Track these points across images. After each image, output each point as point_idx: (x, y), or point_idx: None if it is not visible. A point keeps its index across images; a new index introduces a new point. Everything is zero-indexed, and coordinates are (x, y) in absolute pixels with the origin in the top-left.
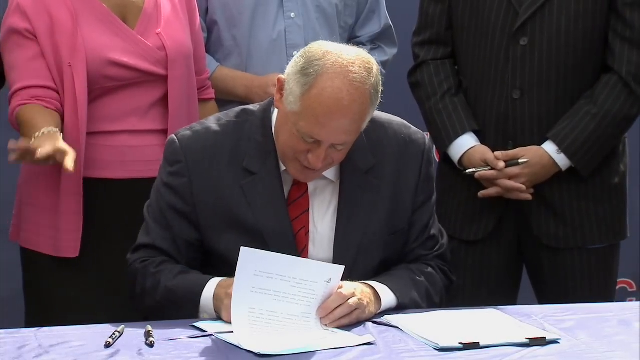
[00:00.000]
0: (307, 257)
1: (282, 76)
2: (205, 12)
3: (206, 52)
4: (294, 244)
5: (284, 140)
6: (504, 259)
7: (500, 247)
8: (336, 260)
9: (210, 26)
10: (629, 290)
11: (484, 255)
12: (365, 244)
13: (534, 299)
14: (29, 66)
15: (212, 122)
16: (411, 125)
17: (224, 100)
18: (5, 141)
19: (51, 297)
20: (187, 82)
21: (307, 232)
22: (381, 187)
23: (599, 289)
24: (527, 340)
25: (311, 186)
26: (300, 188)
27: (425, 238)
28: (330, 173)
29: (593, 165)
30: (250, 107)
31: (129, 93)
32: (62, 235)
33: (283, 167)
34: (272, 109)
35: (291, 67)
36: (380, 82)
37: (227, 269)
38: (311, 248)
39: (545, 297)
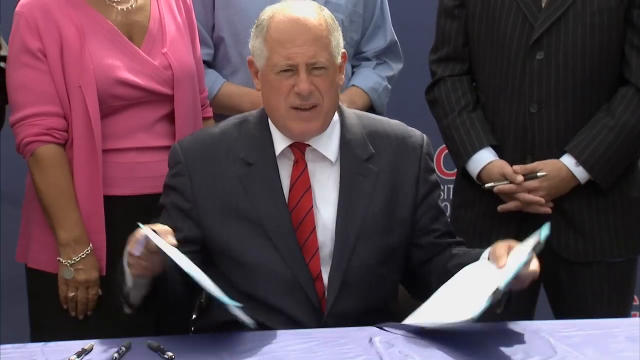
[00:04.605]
0: (315, 241)
1: (249, 57)
2: (211, 29)
3: (213, 68)
4: (291, 230)
5: (273, 99)
6: None
7: None
8: (337, 243)
9: (217, 43)
10: (633, 303)
11: None
12: (365, 229)
13: (549, 314)
14: (39, 89)
15: (213, 126)
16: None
17: (229, 116)
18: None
19: (60, 316)
20: (192, 100)
21: (314, 214)
22: (380, 175)
23: (617, 303)
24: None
25: (310, 166)
26: (299, 167)
27: (445, 227)
28: (330, 152)
29: (612, 178)
30: (252, 112)
31: (136, 111)
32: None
33: (279, 151)
34: None
35: (250, 40)
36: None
37: (228, 261)
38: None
39: (562, 311)
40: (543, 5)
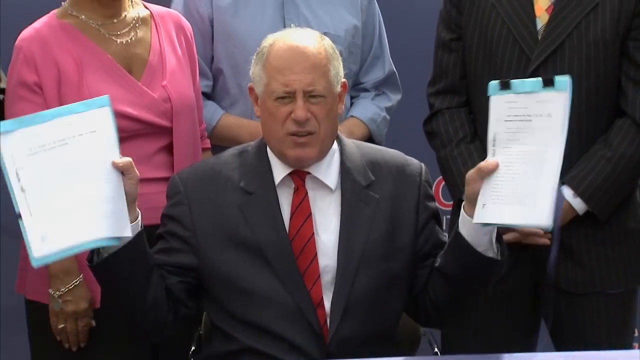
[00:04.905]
0: (316, 268)
1: (250, 83)
2: (210, 61)
3: (212, 99)
4: (292, 257)
5: (271, 126)
6: (520, 304)
7: (516, 292)
8: (339, 269)
9: (215, 74)
10: (634, 335)
11: (499, 300)
12: (367, 254)
13: (550, 346)
14: None
15: (212, 158)
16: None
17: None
18: None
19: (59, 347)
20: (191, 132)
21: (315, 241)
22: (380, 202)
23: (617, 334)
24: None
25: (311, 193)
26: (299, 194)
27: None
28: (330, 180)
29: (610, 209)
30: (251, 143)
31: (134, 143)
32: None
33: (278, 179)
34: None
35: (251, 68)
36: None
37: (228, 290)
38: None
39: (562, 343)
40: (539, 37)
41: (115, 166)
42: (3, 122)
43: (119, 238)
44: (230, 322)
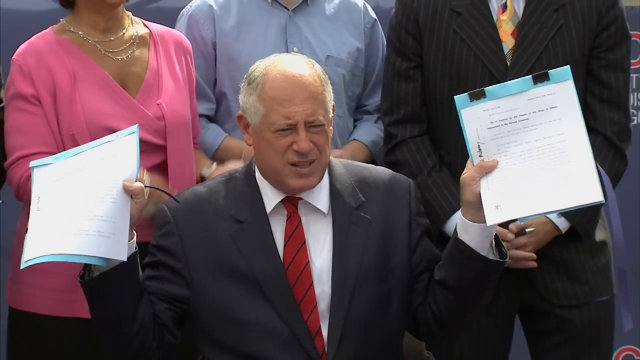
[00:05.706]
0: (313, 296)
1: (239, 112)
2: (214, 84)
3: (215, 122)
4: (288, 286)
5: (269, 156)
6: (500, 324)
7: (498, 314)
8: (335, 293)
9: (218, 97)
10: (636, 358)
11: (480, 324)
12: (361, 278)
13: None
14: (34, 132)
15: (200, 186)
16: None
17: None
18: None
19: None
20: (186, 151)
21: (310, 269)
22: (372, 222)
23: (606, 342)
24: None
25: (304, 219)
26: (293, 222)
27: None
28: (322, 204)
29: (591, 224)
30: (238, 169)
31: None
32: (80, 297)
33: (269, 209)
34: (254, 165)
35: (240, 96)
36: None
37: (222, 321)
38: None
39: (552, 357)
40: (508, 61)
41: (126, 189)
42: (44, 159)
43: (108, 260)
44: (225, 356)
